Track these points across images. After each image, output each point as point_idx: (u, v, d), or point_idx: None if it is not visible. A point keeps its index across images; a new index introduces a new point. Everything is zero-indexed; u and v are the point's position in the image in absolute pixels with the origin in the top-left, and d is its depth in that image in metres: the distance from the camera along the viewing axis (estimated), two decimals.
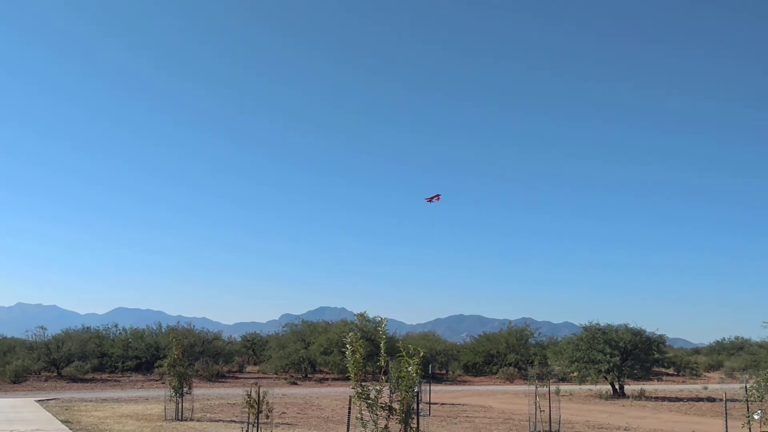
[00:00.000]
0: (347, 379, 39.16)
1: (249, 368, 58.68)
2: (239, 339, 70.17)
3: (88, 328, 53.96)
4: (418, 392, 12.26)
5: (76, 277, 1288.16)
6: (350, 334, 11.86)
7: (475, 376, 56.14)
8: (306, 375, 49.56)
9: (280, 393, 34.95)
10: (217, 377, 47.29)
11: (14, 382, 39.58)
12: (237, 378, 49.48)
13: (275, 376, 49.05)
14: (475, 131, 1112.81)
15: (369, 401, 11.39)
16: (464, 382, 49.66)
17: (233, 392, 35.89)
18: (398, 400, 11.41)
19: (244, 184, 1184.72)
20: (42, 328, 47.41)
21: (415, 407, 11.77)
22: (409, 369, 11.27)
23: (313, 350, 50.09)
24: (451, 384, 48.39)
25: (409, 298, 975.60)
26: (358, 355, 11.65)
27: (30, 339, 47.36)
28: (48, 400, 29.67)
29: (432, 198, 46.45)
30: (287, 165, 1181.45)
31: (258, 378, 47.25)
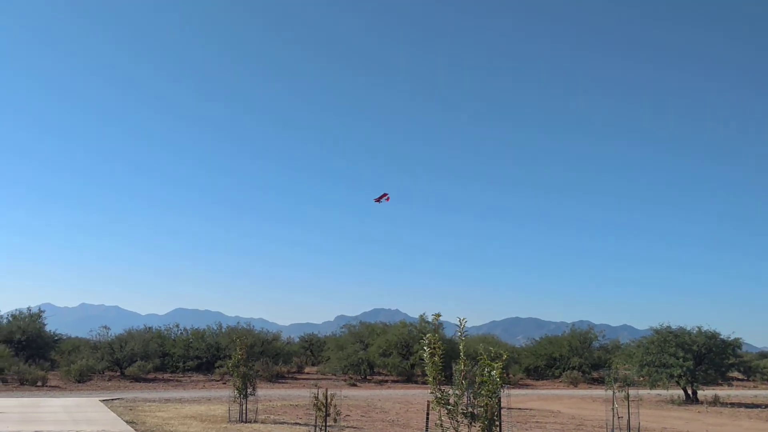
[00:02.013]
0: (407, 381, 38.63)
1: (307, 369, 58.57)
2: (297, 340, 70.28)
3: (149, 328, 54.48)
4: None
5: (137, 279, 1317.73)
6: (428, 335, 11.30)
7: (537, 379, 54.96)
8: (365, 377, 49.14)
9: (341, 395, 34.50)
10: (277, 378, 47.23)
11: (79, 381, 40.06)
12: (296, 379, 49.35)
13: (334, 377, 48.73)
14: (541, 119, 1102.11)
15: (449, 407, 10.79)
16: (526, 386, 48.61)
17: (294, 393, 35.63)
18: (480, 406, 10.77)
19: (301, 186, 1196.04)
20: (105, 327, 47.95)
21: (499, 414, 11.10)
22: (492, 373, 10.62)
23: (371, 352, 49.60)
24: (512, 388, 47.31)
25: (464, 301, 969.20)
26: (437, 358, 11.07)
27: (94, 339, 47.99)
28: (112, 399, 29.79)
29: (380, 198, 46.28)
30: (350, 164, 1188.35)
31: (317, 379, 47.01)
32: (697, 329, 35.79)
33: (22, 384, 37.42)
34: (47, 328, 51.15)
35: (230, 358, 23.09)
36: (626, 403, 20.56)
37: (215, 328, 54.88)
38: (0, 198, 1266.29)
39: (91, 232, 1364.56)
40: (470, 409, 10.85)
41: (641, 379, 36.51)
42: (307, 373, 54.94)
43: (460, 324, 11.13)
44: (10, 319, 49.73)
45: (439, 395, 10.84)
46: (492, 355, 10.88)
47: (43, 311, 51.67)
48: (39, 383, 37.95)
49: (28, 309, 51.12)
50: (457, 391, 10.77)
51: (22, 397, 30.85)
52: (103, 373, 45.07)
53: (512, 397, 37.14)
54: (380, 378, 50.45)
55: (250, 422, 21.45)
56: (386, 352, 49.29)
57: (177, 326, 56.06)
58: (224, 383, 40.94)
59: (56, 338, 52.70)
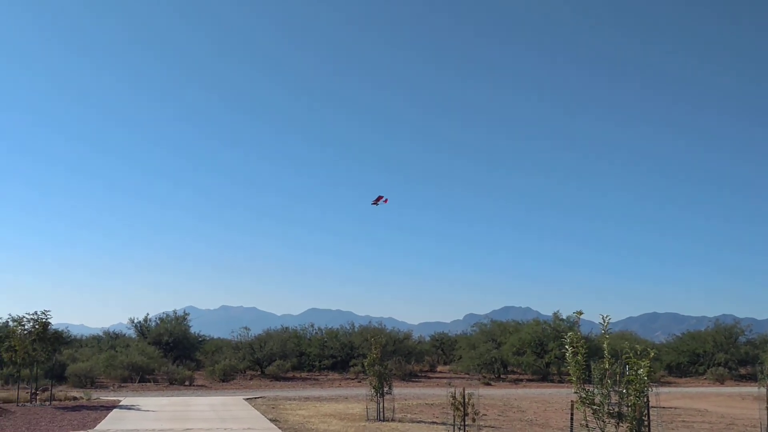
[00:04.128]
0: (542, 380, 37.79)
1: (439, 368, 58.65)
2: (427, 338, 70.48)
3: (286, 328, 56.10)
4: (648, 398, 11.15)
5: (273, 281, 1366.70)
6: (570, 334, 11.02)
7: (680, 377, 52.64)
8: (499, 375, 48.64)
9: (475, 394, 34.30)
10: (410, 377, 47.54)
11: (223, 381, 41.80)
12: (429, 377, 49.51)
13: (467, 376, 48.53)
14: None
15: (594, 407, 10.49)
16: (669, 384, 46.59)
17: (429, 392, 35.73)
18: (628, 405, 10.41)
19: (432, 188, 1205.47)
20: (246, 328, 49.80)
21: (648, 414, 10.69)
22: (640, 372, 10.24)
23: (504, 350, 49.06)
24: (654, 385, 45.50)
25: (598, 297, 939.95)
26: (579, 357, 10.78)
27: (235, 339, 49.96)
28: (255, 398, 30.89)
29: (377, 200, 45.55)
30: (476, 166, 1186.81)
31: (450, 378, 46.96)
32: None
33: (171, 384, 39.43)
34: (192, 330, 53.65)
35: (364, 357, 23.47)
36: None
37: (348, 327, 55.91)
38: (148, 209, 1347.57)
39: (229, 239, 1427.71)
40: (616, 409, 10.52)
41: None
42: (440, 372, 55.00)
43: (604, 321, 10.80)
44: (158, 322, 52.61)
45: (584, 395, 10.58)
46: (638, 352, 10.49)
47: (188, 314, 54.28)
48: (186, 383, 39.87)
49: (174, 312, 53.89)
50: (602, 390, 10.46)
51: (171, 396, 32.50)
52: (245, 372, 46.81)
53: (655, 394, 35.77)
54: (514, 377, 49.77)
55: (387, 420, 21.68)
56: (520, 350, 48.61)
57: (312, 326, 57.49)
58: (359, 381, 41.62)
59: (200, 339, 55.18)
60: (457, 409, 16.68)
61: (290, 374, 47.71)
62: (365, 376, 25.46)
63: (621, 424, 10.37)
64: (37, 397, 26.44)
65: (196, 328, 54.98)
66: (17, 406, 25.05)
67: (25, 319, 26.39)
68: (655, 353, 10.66)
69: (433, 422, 21.59)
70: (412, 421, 21.94)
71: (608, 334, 11.03)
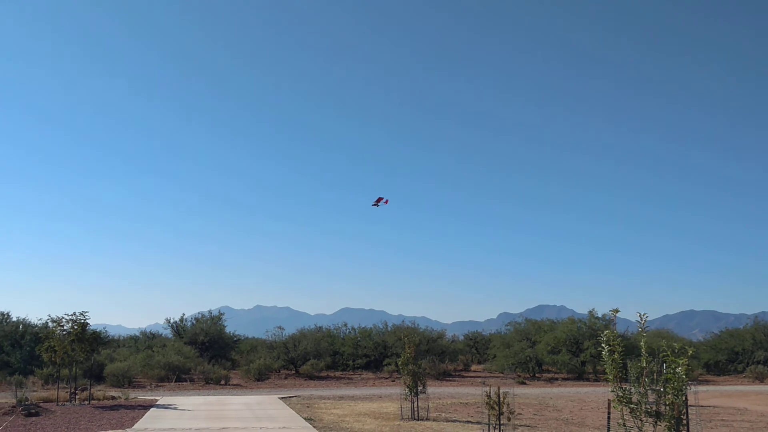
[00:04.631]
0: (578, 379, 37.30)
1: (474, 367, 58.44)
2: (461, 338, 70.27)
3: (320, 327, 56.34)
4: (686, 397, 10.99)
5: (307, 281, 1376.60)
6: (606, 332, 10.93)
7: (718, 375, 51.87)
8: (533, 374, 48.34)
9: (510, 393, 34.09)
10: (444, 376, 47.42)
11: (258, 380, 42.08)
12: (463, 377, 49.35)
13: (502, 375, 48.30)
14: None
15: (632, 406, 10.38)
16: (707, 382, 45.90)
17: (463, 391, 35.61)
18: (666, 404, 10.28)
19: (465, 192, 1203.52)
20: (280, 328, 50.10)
21: (686, 412, 10.54)
22: (678, 370, 10.10)
23: (539, 349, 48.73)
24: (692, 384, 44.79)
25: (634, 295, 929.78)
26: (616, 355, 10.68)
27: (269, 339, 50.27)
28: (290, 397, 31.05)
29: (377, 202, 45.52)
30: (515, 176, 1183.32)
31: (484, 377, 46.79)
32: None
33: (207, 383, 39.79)
34: (227, 330, 54.06)
35: (398, 356, 23.42)
36: None
37: (381, 326, 55.96)
38: (186, 216, 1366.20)
39: (263, 242, 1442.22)
40: (654, 408, 10.39)
41: None
42: (474, 371, 54.81)
43: (641, 319, 10.68)
44: (194, 322, 53.11)
45: (621, 393, 10.47)
46: (676, 350, 10.36)
47: (223, 314, 54.73)
48: (222, 382, 40.20)
49: (209, 312, 54.38)
50: (640, 389, 10.34)
51: (207, 395, 32.78)
52: (279, 371, 47.09)
53: (692, 393, 35.22)
54: (549, 376, 49.44)
55: (422, 420, 21.64)
56: (555, 349, 48.22)
57: (345, 325, 57.63)
58: (393, 381, 41.63)
59: (235, 339, 55.63)
60: (492, 408, 16.60)
61: (324, 373, 47.90)
62: (399, 376, 25.44)
63: (659, 423, 10.25)
64: (76, 397, 26.84)
65: (231, 327, 55.39)
66: (57, 405, 25.46)
67: (64, 320, 26.77)
68: (693, 351, 10.50)
69: (468, 421, 21.50)
70: (446, 420, 21.88)
71: (645, 332, 10.91)
